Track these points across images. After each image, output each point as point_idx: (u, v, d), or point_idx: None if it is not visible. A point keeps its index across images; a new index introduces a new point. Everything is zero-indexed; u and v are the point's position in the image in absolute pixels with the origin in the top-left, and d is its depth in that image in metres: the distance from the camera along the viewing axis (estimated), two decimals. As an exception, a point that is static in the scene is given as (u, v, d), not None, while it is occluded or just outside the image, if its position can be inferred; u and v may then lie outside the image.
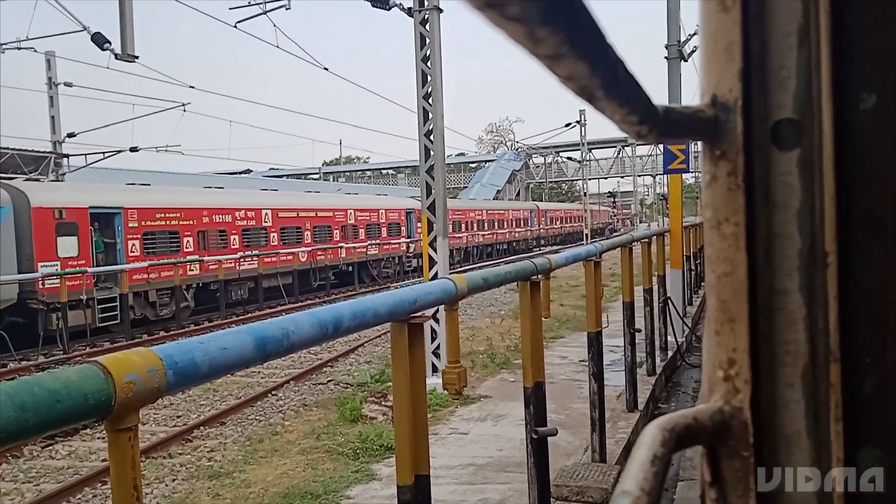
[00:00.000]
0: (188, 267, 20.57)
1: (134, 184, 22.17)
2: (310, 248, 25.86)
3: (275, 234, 24.54)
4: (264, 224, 24.11)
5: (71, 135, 23.98)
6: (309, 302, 23.07)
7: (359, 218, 28.97)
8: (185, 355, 1.57)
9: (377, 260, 29.66)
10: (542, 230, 54.03)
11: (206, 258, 21.12)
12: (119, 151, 24.86)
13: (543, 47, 0.46)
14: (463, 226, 38.10)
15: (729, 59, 0.66)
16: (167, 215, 20.38)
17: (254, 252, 23.05)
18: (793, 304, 0.66)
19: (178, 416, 10.13)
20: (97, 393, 1.34)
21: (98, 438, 8.99)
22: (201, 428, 9.38)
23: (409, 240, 31.39)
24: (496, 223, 44.05)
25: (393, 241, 30.82)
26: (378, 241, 29.75)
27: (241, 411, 10.18)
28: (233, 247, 22.63)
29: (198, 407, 10.59)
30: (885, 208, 0.64)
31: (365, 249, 28.79)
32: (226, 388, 11.48)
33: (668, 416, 0.64)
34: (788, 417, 0.66)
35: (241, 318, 20.38)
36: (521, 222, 49.41)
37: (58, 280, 16.32)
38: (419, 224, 28.21)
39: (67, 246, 17.15)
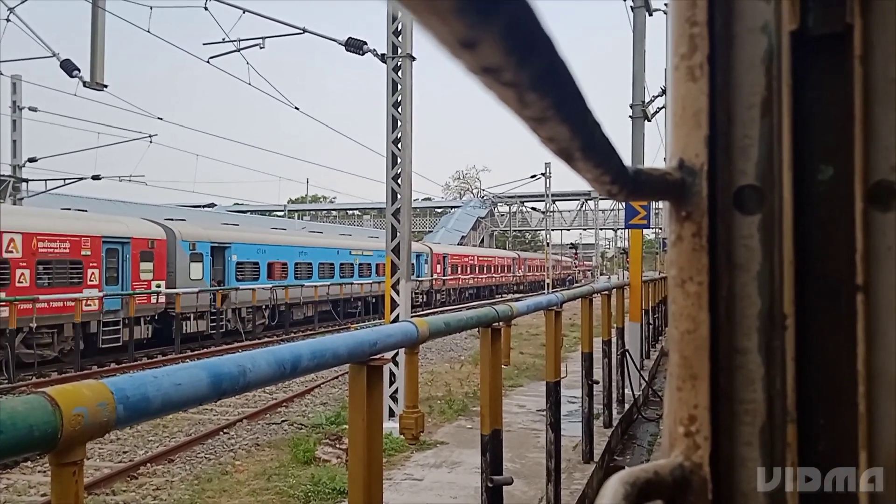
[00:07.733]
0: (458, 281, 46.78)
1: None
2: (488, 276, 53.42)
3: (475, 267, 49.78)
4: (473, 263, 49.59)
5: (32, 159, 23.65)
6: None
7: (498, 262, 55.47)
8: (138, 389, 1.53)
9: (500, 284, 55.96)
10: (553, 274, 70.16)
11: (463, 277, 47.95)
12: (80, 179, 24.63)
13: (531, 110, 0.48)
14: (524, 268, 62.21)
15: (696, 126, 0.68)
16: (453, 256, 45.88)
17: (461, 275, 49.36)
18: (752, 363, 0.67)
19: (125, 452, 9.82)
20: (43, 425, 1.29)
21: (39, 472, 8.67)
22: (148, 465, 9.09)
23: (511, 274, 58.56)
24: (537, 268, 65.14)
25: (506, 275, 57.80)
26: (501, 275, 56.69)
27: (191, 449, 9.91)
28: (461, 273, 47.45)
29: (146, 443, 10.29)
30: (839, 275, 0.66)
31: (502, 278, 57.07)
32: (176, 425, 11.19)
33: (628, 470, 0.64)
34: (745, 475, 0.67)
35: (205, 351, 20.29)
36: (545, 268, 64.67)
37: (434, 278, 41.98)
38: (516, 265, 60.26)
39: (439, 268, 42.25)
